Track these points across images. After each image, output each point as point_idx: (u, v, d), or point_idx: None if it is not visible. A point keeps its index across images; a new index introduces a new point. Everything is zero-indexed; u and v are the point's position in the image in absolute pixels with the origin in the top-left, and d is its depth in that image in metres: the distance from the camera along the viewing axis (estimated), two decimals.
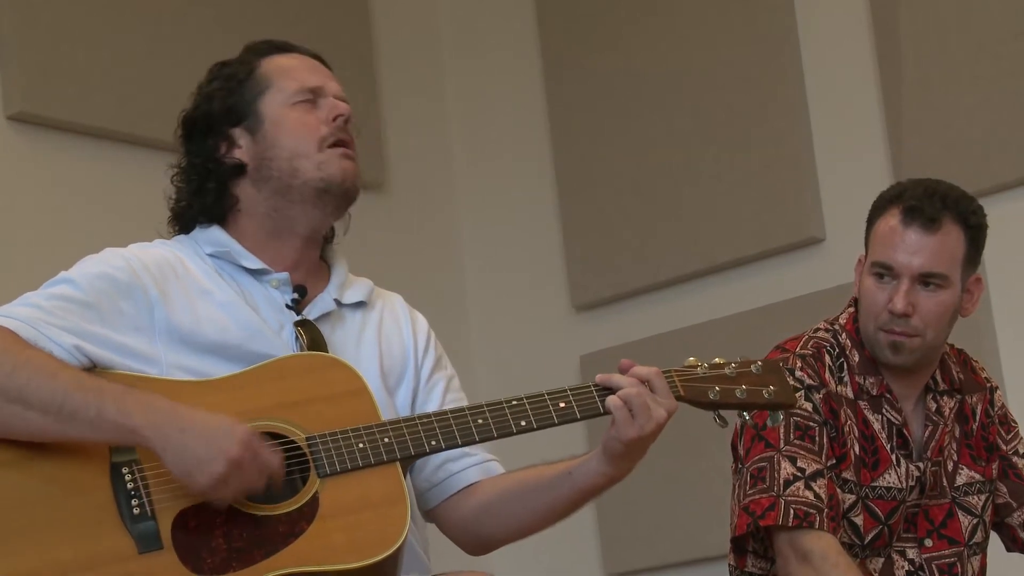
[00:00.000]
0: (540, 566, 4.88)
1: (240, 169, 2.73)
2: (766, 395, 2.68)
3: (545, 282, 5.33)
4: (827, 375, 3.27)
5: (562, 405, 2.60)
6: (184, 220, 2.78)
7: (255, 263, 2.71)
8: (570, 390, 2.61)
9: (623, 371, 2.62)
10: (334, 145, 2.72)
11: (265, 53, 2.79)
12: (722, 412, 2.67)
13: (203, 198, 2.73)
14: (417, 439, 2.55)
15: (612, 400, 2.57)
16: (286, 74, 2.75)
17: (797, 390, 3.19)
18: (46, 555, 2.38)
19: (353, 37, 5.17)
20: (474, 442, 2.59)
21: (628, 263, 5.13)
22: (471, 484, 2.75)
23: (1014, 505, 3.40)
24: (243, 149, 2.72)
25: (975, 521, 3.34)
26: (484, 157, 5.52)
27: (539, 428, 2.59)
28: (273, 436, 2.51)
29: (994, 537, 3.44)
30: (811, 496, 3.15)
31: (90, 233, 4.40)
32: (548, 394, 2.61)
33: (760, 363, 2.69)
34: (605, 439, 2.60)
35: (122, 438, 2.44)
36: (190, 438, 2.41)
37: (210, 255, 2.72)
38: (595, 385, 2.62)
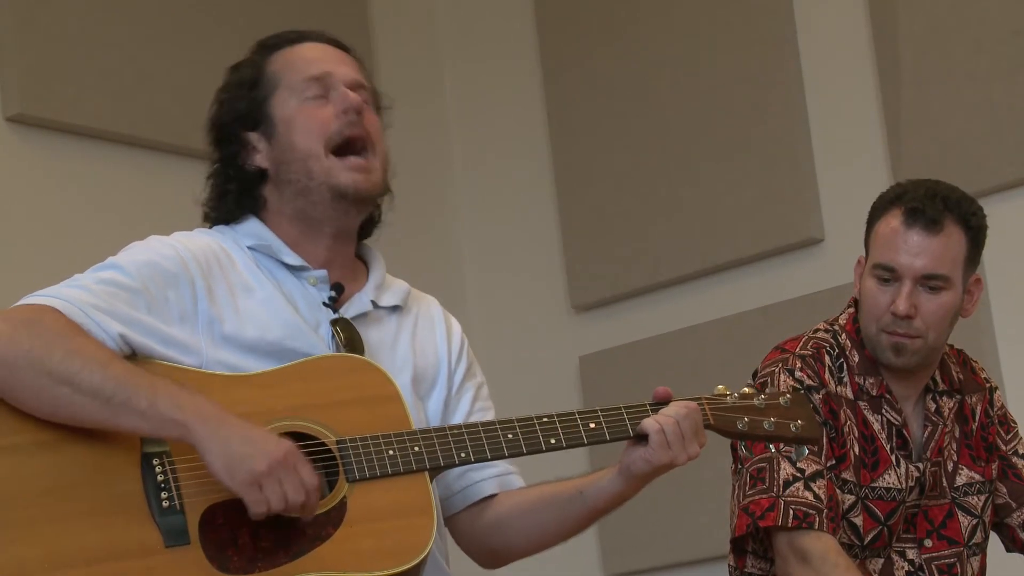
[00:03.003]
0: (540, 567, 4.87)
1: (263, 174, 2.71)
2: (793, 429, 2.69)
3: (544, 283, 5.33)
4: (827, 376, 3.27)
5: (592, 426, 2.61)
6: (213, 222, 2.76)
7: (295, 259, 2.69)
8: (601, 411, 2.62)
9: (660, 398, 2.64)
10: (342, 152, 2.68)
11: (274, 48, 2.74)
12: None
13: (225, 203, 2.72)
14: (447, 450, 2.54)
15: (650, 423, 2.58)
16: (292, 68, 2.71)
17: (797, 391, 3.19)
18: (74, 542, 2.37)
19: (352, 38, 5.14)
20: (503, 457, 2.59)
21: (627, 264, 5.13)
22: (486, 497, 2.76)
23: (1013, 505, 3.40)
24: (262, 154, 2.70)
25: (975, 521, 3.34)
26: (483, 158, 5.52)
27: (568, 447, 2.60)
28: (303, 436, 2.51)
29: (994, 538, 3.44)
30: (810, 497, 3.15)
31: (88, 234, 4.41)
32: (579, 413, 2.61)
33: (789, 396, 2.71)
34: (629, 459, 2.61)
35: (168, 431, 2.43)
36: (235, 436, 2.41)
37: (250, 247, 2.70)
38: (626, 408, 2.62)
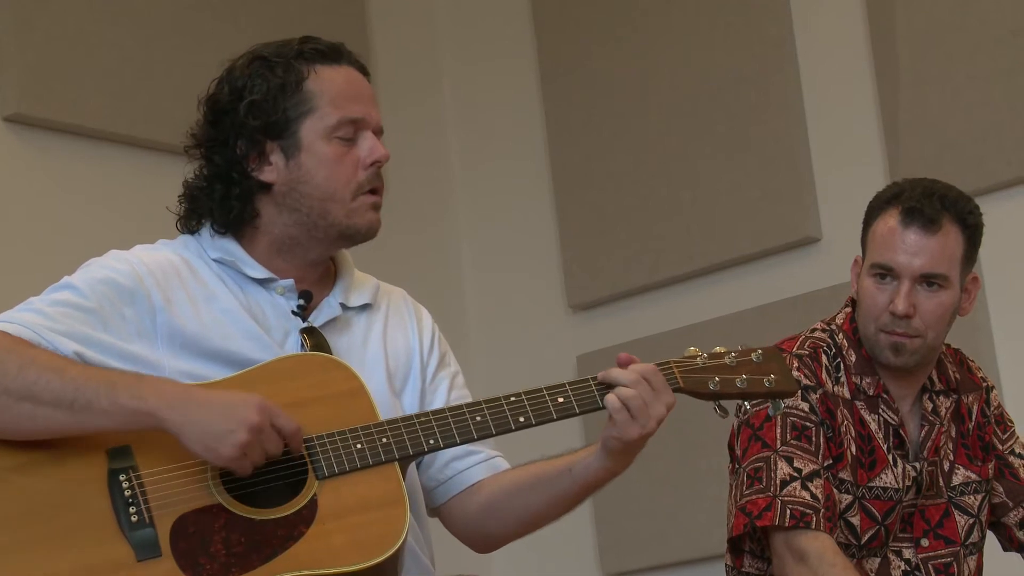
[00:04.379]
0: (537, 567, 4.88)
1: (266, 186, 2.67)
2: (767, 384, 2.66)
3: (542, 282, 5.33)
4: (824, 375, 3.27)
5: (560, 400, 2.59)
6: (199, 221, 2.72)
7: (261, 272, 2.69)
8: (568, 385, 2.60)
9: (621, 365, 2.61)
10: (366, 192, 2.68)
11: (313, 60, 2.68)
12: (723, 403, 2.66)
13: (226, 211, 2.68)
14: (415, 438, 2.54)
15: (611, 400, 2.56)
16: (332, 100, 2.66)
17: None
18: (45, 566, 2.37)
19: (351, 38, 5.13)
20: (472, 440, 2.59)
21: (624, 263, 5.13)
22: (476, 482, 2.76)
23: (1010, 504, 3.40)
24: (274, 168, 2.66)
25: (971, 521, 3.34)
26: (481, 158, 5.53)
27: (538, 424, 2.59)
28: None
29: (991, 537, 3.44)
30: (808, 496, 3.16)
31: (87, 234, 4.41)
32: (546, 389, 2.60)
33: (760, 351, 2.67)
34: (604, 437, 2.60)
35: (138, 422, 2.44)
36: (207, 412, 2.42)
37: (215, 260, 2.69)
38: (594, 380, 2.60)
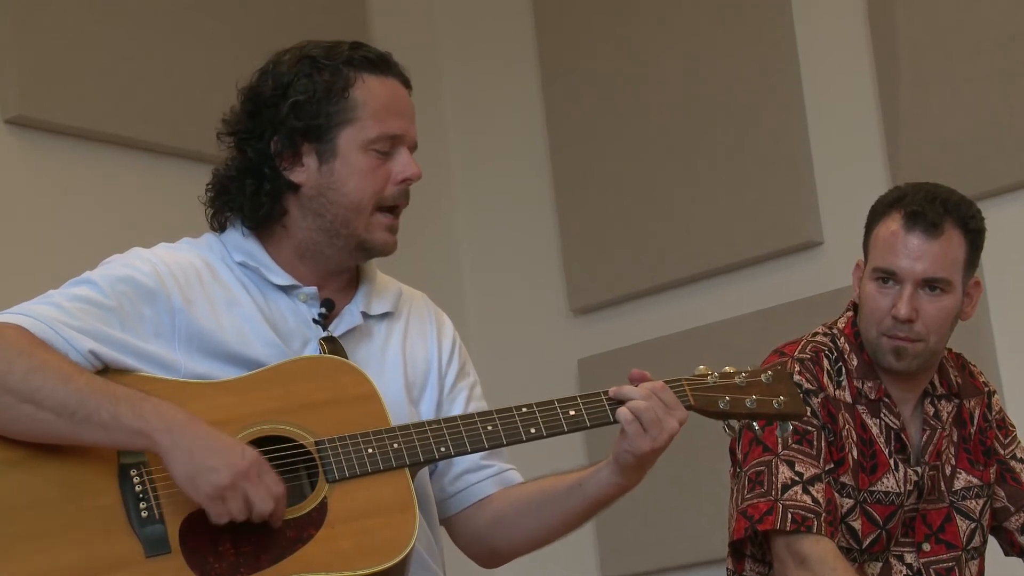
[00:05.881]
0: (537, 569, 4.87)
1: (294, 187, 2.66)
2: (776, 405, 2.67)
3: (543, 285, 5.33)
4: (825, 379, 3.27)
5: (572, 413, 2.59)
6: (229, 215, 2.71)
7: (285, 279, 2.68)
8: (580, 398, 2.61)
9: (633, 381, 2.61)
10: (388, 209, 2.67)
11: (362, 68, 2.66)
12: (731, 422, 2.68)
13: (257, 206, 2.67)
14: (426, 445, 2.54)
15: (623, 412, 2.56)
16: (374, 112, 2.64)
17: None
18: (52, 558, 2.37)
19: (350, 38, 5.16)
20: (483, 448, 2.58)
21: (626, 266, 5.12)
22: (484, 497, 2.75)
23: (1012, 509, 3.40)
24: (306, 170, 2.65)
25: (973, 525, 3.34)
26: (481, 160, 5.52)
27: (549, 435, 2.59)
28: (281, 439, 2.51)
29: (992, 542, 3.44)
30: (809, 500, 3.15)
31: (88, 236, 4.42)
32: (558, 402, 2.60)
33: (770, 372, 2.69)
34: (616, 451, 2.59)
35: (133, 442, 2.43)
36: (200, 446, 2.40)
37: (239, 263, 2.68)
38: (606, 394, 2.60)
